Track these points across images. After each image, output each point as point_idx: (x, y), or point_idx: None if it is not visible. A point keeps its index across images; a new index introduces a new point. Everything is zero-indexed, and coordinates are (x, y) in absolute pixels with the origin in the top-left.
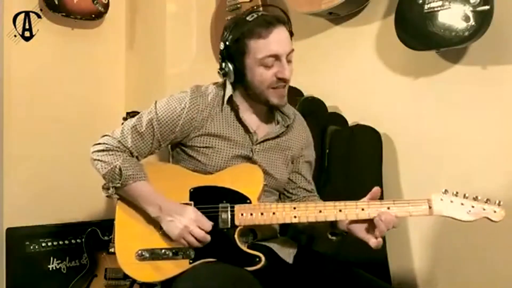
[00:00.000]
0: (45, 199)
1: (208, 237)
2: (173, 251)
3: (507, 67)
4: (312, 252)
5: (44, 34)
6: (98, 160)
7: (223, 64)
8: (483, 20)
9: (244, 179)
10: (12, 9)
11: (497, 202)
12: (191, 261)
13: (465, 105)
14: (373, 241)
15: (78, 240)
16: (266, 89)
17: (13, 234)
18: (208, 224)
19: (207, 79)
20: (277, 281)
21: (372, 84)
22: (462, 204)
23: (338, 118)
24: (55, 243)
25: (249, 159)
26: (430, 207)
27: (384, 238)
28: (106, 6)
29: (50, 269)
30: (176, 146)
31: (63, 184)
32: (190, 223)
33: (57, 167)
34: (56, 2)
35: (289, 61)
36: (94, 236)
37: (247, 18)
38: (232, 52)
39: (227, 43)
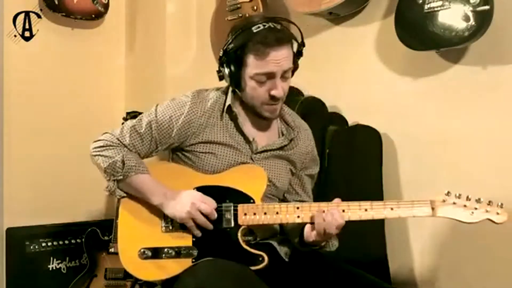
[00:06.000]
0: (45, 199)
1: (215, 213)
2: (176, 250)
3: (507, 67)
4: (312, 253)
5: (44, 34)
6: (99, 155)
7: (221, 68)
8: (483, 20)
9: (248, 179)
10: (12, 9)
11: (499, 204)
12: (193, 260)
13: (465, 105)
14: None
15: (78, 240)
16: (259, 104)
17: (13, 234)
18: (212, 201)
19: (207, 79)
20: (276, 278)
21: (372, 84)
22: (464, 206)
23: (338, 118)
24: (55, 243)
25: None
26: (433, 209)
27: (384, 238)
28: (106, 6)
29: (50, 269)
30: (176, 151)
31: (63, 184)
32: (196, 200)
33: (57, 167)
34: (56, 2)
35: (285, 78)
36: (94, 236)
37: (253, 28)
38: (231, 60)
39: (228, 49)
